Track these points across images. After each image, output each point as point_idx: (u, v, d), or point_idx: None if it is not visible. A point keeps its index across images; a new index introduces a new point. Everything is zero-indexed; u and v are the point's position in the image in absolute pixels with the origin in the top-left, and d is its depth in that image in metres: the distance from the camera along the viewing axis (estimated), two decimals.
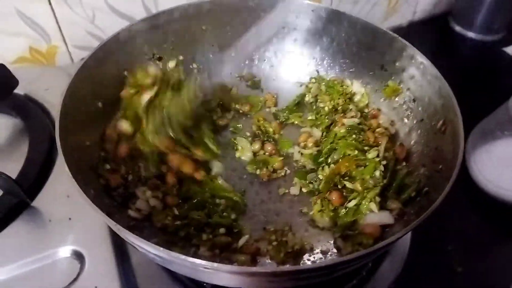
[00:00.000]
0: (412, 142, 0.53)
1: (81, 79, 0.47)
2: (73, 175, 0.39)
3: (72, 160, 0.39)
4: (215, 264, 0.31)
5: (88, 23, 0.72)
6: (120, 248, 0.48)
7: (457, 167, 0.39)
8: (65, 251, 0.47)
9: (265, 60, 0.65)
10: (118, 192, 0.48)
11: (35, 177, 0.52)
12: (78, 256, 0.47)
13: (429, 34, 0.97)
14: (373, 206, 0.48)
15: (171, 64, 0.58)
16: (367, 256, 0.35)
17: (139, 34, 0.56)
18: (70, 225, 0.49)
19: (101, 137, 0.50)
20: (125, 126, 0.50)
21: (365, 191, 0.49)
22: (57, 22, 0.70)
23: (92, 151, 0.49)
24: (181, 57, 0.60)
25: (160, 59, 0.59)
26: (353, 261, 0.34)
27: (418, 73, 0.53)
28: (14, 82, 0.61)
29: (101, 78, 0.52)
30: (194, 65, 0.62)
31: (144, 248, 0.34)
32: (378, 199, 0.48)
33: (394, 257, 0.51)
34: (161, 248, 0.32)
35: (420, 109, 0.53)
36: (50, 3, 0.68)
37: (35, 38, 0.70)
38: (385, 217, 0.48)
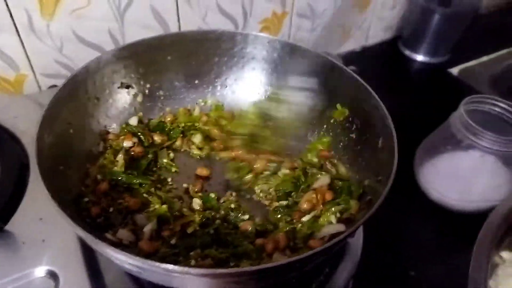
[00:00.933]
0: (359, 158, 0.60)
1: (54, 108, 0.50)
2: (50, 194, 0.41)
3: (50, 183, 0.42)
4: (185, 269, 0.34)
5: (56, 53, 0.75)
6: (93, 268, 0.51)
7: (392, 175, 0.46)
8: (40, 271, 0.49)
9: (226, 86, 0.70)
10: (97, 221, 0.50)
11: (7, 201, 0.54)
12: (53, 275, 0.49)
13: (380, 57, 1.07)
14: (333, 218, 0.54)
15: (139, 99, 0.63)
16: (308, 258, 0.40)
17: (108, 65, 0.60)
18: (44, 246, 0.52)
19: (80, 174, 0.53)
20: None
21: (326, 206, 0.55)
22: (26, 52, 0.73)
23: (71, 180, 0.52)
24: (148, 85, 0.65)
25: (128, 87, 0.64)
26: (302, 261, 0.38)
27: (362, 96, 0.60)
28: None
29: (72, 107, 0.55)
30: (161, 92, 0.67)
31: (119, 259, 0.37)
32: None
33: (347, 262, 0.57)
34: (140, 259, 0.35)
35: (363, 129, 0.60)
36: (18, 34, 0.71)
37: (3, 67, 0.73)
38: (340, 227, 0.53)
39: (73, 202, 0.49)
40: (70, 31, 0.74)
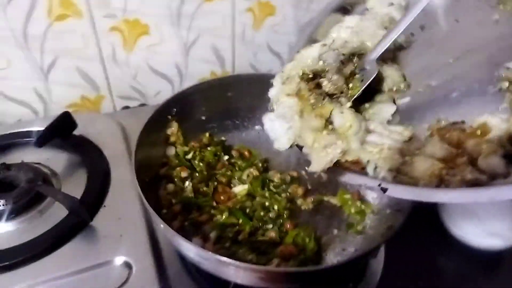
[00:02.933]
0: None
1: (142, 136, 0.63)
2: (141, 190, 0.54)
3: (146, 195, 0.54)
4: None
5: (131, 79, 0.89)
6: (160, 261, 0.62)
7: (409, 208, 0.55)
8: (118, 260, 0.60)
9: None
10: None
11: (94, 201, 0.67)
12: (127, 265, 0.60)
13: None
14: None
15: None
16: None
17: (185, 97, 0.73)
18: (121, 240, 0.63)
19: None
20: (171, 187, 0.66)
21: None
22: (107, 78, 0.87)
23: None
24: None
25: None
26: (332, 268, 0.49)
27: None
28: (74, 125, 0.77)
29: (157, 130, 0.69)
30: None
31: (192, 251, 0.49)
32: None
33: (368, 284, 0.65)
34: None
35: None
36: (103, 62, 0.85)
37: (87, 88, 0.87)
38: None
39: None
40: (145, 63, 0.88)
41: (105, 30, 0.81)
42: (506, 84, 0.41)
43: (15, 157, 0.75)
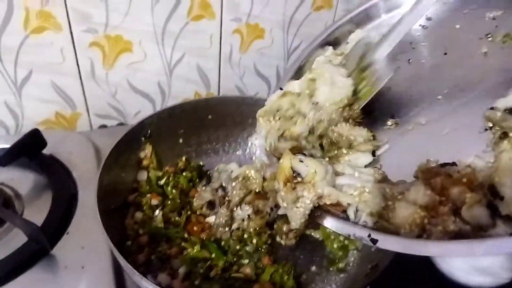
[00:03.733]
0: None
1: (111, 158, 0.58)
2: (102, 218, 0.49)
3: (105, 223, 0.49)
4: None
5: (110, 97, 0.85)
6: None
7: None
8: None
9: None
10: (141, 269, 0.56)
11: (56, 228, 0.62)
12: None
13: None
14: None
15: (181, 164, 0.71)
16: None
17: (161, 121, 0.69)
18: (83, 272, 0.58)
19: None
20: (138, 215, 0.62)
21: None
22: (84, 94, 0.83)
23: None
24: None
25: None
26: None
27: None
28: (44, 144, 0.72)
29: (127, 156, 0.64)
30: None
31: None
32: None
33: None
34: None
35: None
36: (81, 79, 0.81)
37: (63, 105, 0.83)
38: None
39: (117, 243, 0.55)
40: (125, 80, 0.84)
41: (85, 45, 0.78)
42: (490, 125, 0.39)
43: None
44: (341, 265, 0.61)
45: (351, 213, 0.40)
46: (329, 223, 0.41)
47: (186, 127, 0.71)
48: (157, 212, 0.61)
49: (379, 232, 0.37)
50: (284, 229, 0.64)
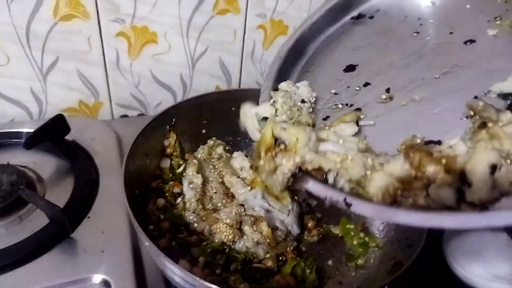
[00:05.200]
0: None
1: (137, 144, 0.58)
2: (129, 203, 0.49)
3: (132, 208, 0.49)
4: None
5: (133, 87, 0.86)
6: (142, 282, 0.57)
7: (422, 241, 0.50)
8: (96, 279, 0.55)
9: None
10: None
11: (78, 211, 0.62)
12: (106, 284, 0.55)
13: None
14: None
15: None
16: None
17: (184, 110, 0.69)
18: (102, 256, 0.58)
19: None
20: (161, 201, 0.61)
21: None
22: (108, 83, 0.84)
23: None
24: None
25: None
26: None
27: None
28: (67, 129, 0.73)
29: (149, 148, 0.65)
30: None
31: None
32: None
33: None
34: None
35: None
36: (105, 68, 0.82)
37: (87, 93, 0.84)
38: None
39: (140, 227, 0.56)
40: (148, 71, 0.85)
41: (111, 35, 0.79)
42: (471, 113, 0.40)
43: (1, 158, 0.70)
44: (360, 261, 0.60)
45: (331, 177, 0.40)
46: (309, 185, 0.41)
47: (209, 118, 0.71)
48: (179, 199, 0.61)
49: (354, 197, 0.38)
50: (310, 224, 0.63)
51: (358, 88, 0.50)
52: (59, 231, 0.59)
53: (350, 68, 0.54)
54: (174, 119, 0.67)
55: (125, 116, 0.89)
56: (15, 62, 0.76)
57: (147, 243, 0.46)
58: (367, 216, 0.37)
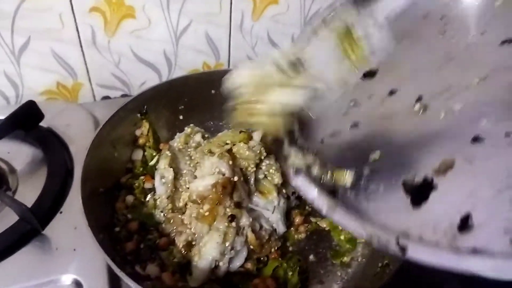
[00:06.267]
0: None
1: (101, 135, 0.53)
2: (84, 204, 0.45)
3: (88, 209, 0.45)
4: None
5: (113, 66, 0.80)
6: (115, 280, 0.54)
7: None
8: (66, 279, 0.53)
9: None
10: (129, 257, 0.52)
11: (48, 207, 0.59)
12: (78, 285, 0.53)
13: None
14: None
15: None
16: None
17: (161, 94, 0.63)
18: (74, 255, 0.55)
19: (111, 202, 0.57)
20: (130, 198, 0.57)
21: None
22: (85, 63, 0.79)
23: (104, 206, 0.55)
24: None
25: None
26: None
27: None
28: (40, 116, 0.69)
29: (118, 138, 0.60)
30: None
31: None
32: None
33: None
34: None
35: None
36: (81, 47, 0.76)
37: (64, 75, 0.79)
38: None
39: (105, 228, 0.52)
40: (129, 49, 0.79)
41: (84, 10, 0.72)
42: None
43: None
44: (346, 258, 0.55)
45: None
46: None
47: (187, 103, 0.66)
48: (149, 196, 0.57)
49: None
50: (297, 220, 0.59)
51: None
52: (29, 229, 0.56)
53: (370, 74, 0.47)
54: (145, 106, 0.61)
55: (107, 97, 0.84)
56: None
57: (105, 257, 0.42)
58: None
